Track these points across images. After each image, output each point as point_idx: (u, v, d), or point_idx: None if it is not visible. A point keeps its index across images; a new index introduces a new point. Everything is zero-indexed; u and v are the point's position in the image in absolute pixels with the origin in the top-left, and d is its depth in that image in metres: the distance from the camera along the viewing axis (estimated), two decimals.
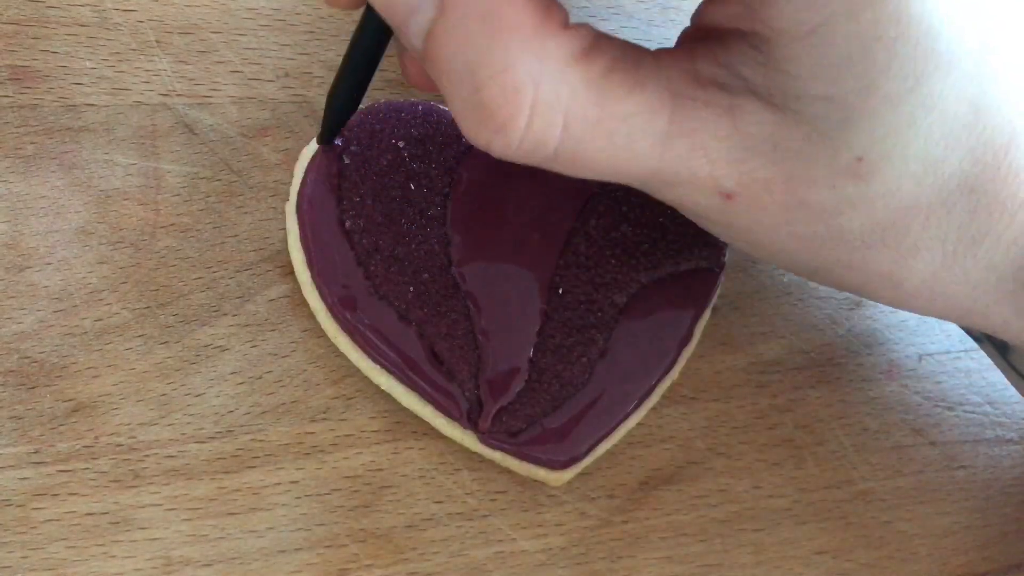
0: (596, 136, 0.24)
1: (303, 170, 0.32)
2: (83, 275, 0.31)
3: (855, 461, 0.36)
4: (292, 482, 0.32)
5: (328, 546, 0.32)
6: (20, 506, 0.30)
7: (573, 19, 0.23)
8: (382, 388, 0.32)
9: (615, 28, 0.35)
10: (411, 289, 0.32)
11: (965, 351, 0.37)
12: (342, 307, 0.31)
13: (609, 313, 0.33)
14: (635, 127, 0.24)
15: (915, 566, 0.36)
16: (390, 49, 0.29)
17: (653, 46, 0.23)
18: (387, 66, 0.34)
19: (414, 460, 0.33)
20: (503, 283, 0.32)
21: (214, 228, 0.32)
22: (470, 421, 0.32)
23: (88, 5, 0.32)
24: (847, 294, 0.36)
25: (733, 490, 0.35)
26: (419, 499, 0.33)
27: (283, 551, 0.32)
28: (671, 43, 0.25)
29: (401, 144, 0.32)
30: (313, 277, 0.31)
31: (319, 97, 0.33)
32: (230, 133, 0.33)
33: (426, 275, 0.32)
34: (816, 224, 0.26)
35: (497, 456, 0.32)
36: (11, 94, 0.31)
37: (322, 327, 0.32)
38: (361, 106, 0.32)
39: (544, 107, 0.23)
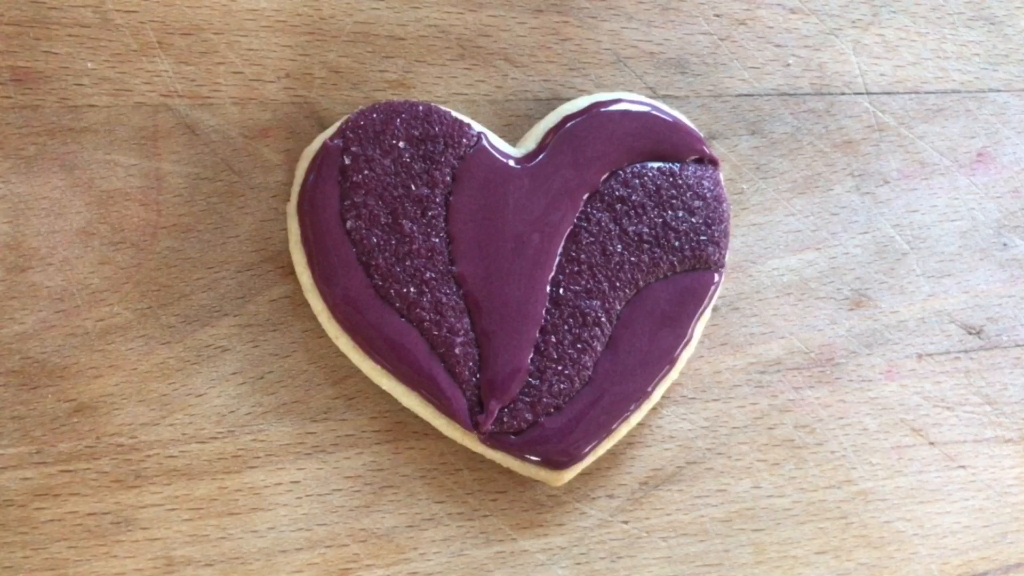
0: None
1: (304, 170, 0.32)
2: (85, 275, 0.31)
3: (855, 461, 0.36)
4: (293, 482, 0.32)
5: (329, 546, 0.32)
6: (22, 506, 0.30)
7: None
8: (383, 388, 0.32)
9: (615, 28, 0.35)
10: (412, 289, 0.32)
11: (965, 351, 0.37)
12: (343, 307, 0.31)
13: (609, 313, 0.33)
14: None
15: (915, 566, 0.36)
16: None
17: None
18: (387, 66, 0.34)
19: (415, 460, 0.33)
20: (504, 283, 0.32)
21: (215, 228, 0.32)
22: (471, 421, 0.32)
23: (89, 6, 0.32)
24: (847, 294, 0.36)
25: (733, 490, 0.35)
26: (420, 499, 0.33)
27: (284, 551, 0.32)
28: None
29: (402, 144, 0.32)
30: (314, 277, 0.32)
31: (320, 98, 0.33)
32: (231, 134, 0.33)
33: (427, 275, 0.32)
34: None
35: (498, 456, 0.32)
36: (12, 95, 0.31)
37: (323, 327, 0.32)
38: (362, 106, 0.32)
39: None
